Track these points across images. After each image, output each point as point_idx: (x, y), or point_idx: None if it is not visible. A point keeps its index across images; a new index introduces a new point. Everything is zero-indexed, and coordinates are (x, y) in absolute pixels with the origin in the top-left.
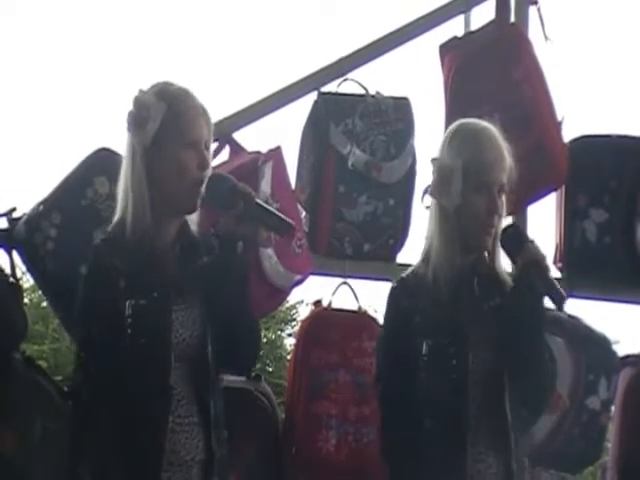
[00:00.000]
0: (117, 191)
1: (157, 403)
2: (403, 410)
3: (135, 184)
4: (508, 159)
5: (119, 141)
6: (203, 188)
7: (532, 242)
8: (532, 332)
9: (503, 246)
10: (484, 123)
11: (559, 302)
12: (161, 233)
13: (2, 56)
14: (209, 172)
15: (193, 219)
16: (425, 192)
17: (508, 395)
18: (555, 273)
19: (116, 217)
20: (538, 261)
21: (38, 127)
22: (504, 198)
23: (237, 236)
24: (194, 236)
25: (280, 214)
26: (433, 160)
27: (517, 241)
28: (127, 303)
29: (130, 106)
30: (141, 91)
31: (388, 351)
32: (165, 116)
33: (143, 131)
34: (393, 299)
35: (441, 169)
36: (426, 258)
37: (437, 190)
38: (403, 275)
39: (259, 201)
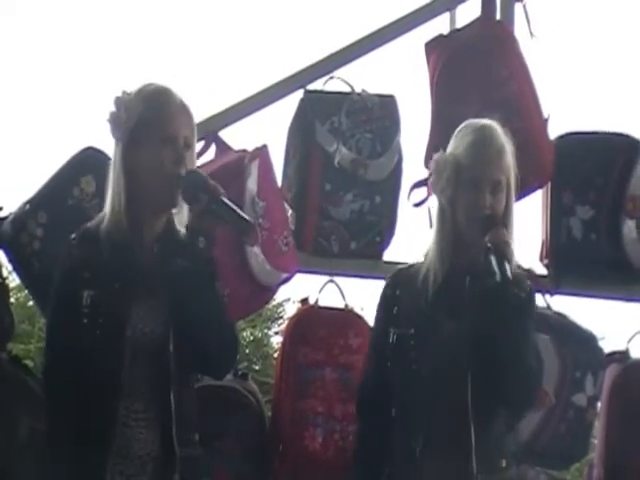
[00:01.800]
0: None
1: (107, 395)
2: (373, 396)
3: (114, 181)
4: (508, 157)
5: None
6: (180, 184)
7: (498, 228)
8: (505, 323)
9: (479, 234)
10: (485, 121)
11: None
12: (142, 229)
13: (2, 56)
14: (187, 167)
15: (181, 219)
16: (412, 189)
17: (472, 398)
18: (541, 270)
19: (101, 214)
20: (497, 243)
21: (26, 126)
22: (500, 196)
23: (198, 230)
24: (178, 236)
25: (242, 213)
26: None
27: (486, 226)
28: (85, 293)
29: (110, 107)
30: (122, 92)
31: (371, 339)
32: (141, 113)
33: (119, 129)
34: (383, 289)
35: (436, 164)
36: (426, 254)
37: (433, 185)
38: (401, 267)
39: (224, 198)
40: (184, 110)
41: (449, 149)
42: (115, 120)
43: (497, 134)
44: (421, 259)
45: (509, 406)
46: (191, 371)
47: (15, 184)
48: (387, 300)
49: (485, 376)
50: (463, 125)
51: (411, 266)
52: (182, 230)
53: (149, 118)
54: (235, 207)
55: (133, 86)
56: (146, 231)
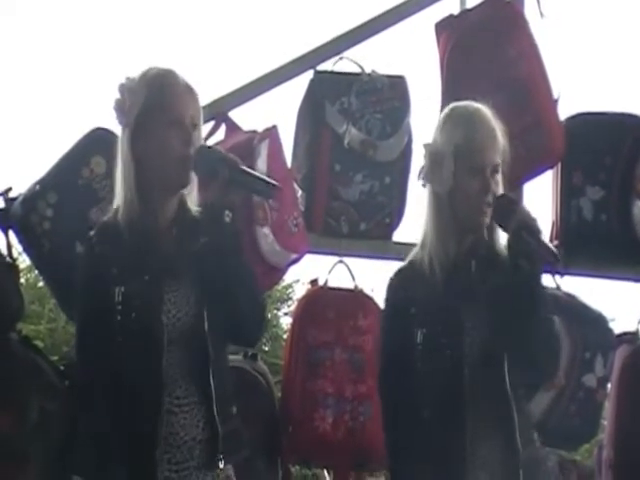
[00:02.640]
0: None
1: (149, 387)
2: (401, 402)
3: (124, 170)
4: (501, 139)
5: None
6: (191, 164)
7: (521, 207)
8: (534, 299)
9: (495, 218)
10: (475, 105)
11: (552, 261)
12: (157, 214)
13: (2, 56)
14: (195, 149)
15: (193, 198)
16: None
17: (508, 375)
18: None
19: (114, 204)
20: (527, 222)
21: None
22: (499, 178)
23: (223, 205)
24: (193, 215)
25: (265, 177)
26: (425, 145)
27: (506, 209)
28: (117, 290)
29: (115, 94)
30: (126, 78)
31: (386, 344)
32: (146, 97)
33: (125, 116)
34: (390, 291)
35: (432, 154)
36: (423, 245)
37: (429, 176)
38: (400, 266)
39: (244, 167)
40: (188, 90)
41: (440, 137)
42: (120, 107)
43: (489, 117)
44: (415, 253)
45: (528, 376)
46: (224, 346)
47: (25, 165)
48: (399, 301)
49: (516, 350)
50: (448, 111)
51: (410, 262)
52: (195, 209)
53: (153, 102)
54: (257, 173)
55: (136, 71)
56: (160, 215)
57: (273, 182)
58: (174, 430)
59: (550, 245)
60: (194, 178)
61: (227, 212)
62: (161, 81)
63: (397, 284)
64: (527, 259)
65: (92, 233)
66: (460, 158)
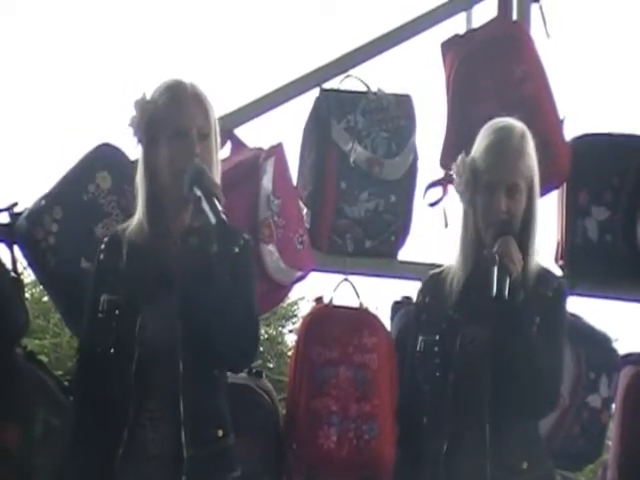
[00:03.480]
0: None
1: (119, 397)
2: (408, 405)
3: (138, 183)
4: (526, 159)
5: (120, 136)
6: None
7: (504, 239)
8: (508, 334)
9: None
10: (505, 122)
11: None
12: (168, 227)
13: (2, 56)
14: (201, 160)
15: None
16: (427, 189)
17: (489, 402)
18: (556, 270)
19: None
20: (502, 255)
21: (39, 124)
22: (518, 198)
23: (190, 229)
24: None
25: (220, 212)
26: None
27: (497, 233)
28: (102, 298)
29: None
30: (142, 94)
31: (401, 346)
32: (153, 111)
33: (138, 131)
34: (416, 295)
35: (456, 167)
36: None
37: (455, 188)
38: (433, 272)
39: (214, 197)
40: (196, 100)
41: (472, 151)
42: (132, 123)
43: (515, 135)
44: (449, 264)
45: (525, 411)
46: (209, 369)
47: (30, 180)
48: (418, 307)
49: (502, 381)
50: (487, 125)
51: (441, 271)
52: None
53: (160, 115)
54: (219, 207)
55: (149, 82)
56: (173, 227)
57: (223, 216)
58: (143, 443)
59: (503, 285)
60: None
61: (193, 238)
62: (167, 93)
63: (421, 289)
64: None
65: (105, 240)
66: (478, 173)
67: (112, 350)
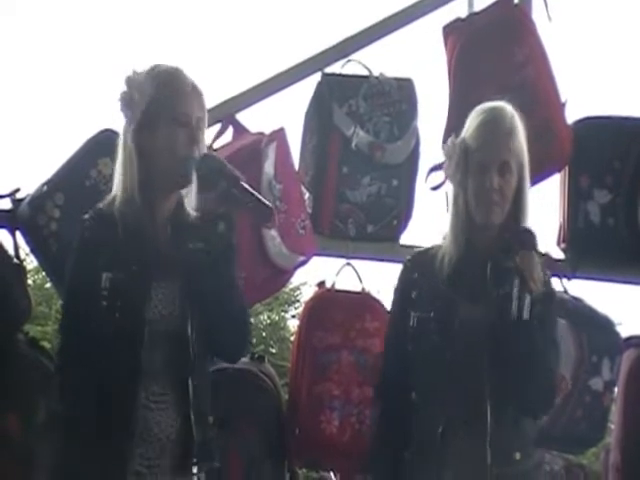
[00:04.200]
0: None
1: (127, 379)
2: (393, 380)
3: (126, 162)
4: (517, 139)
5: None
6: (194, 165)
7: (527, 252)
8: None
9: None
10: (494, 104)
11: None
12: (154, 210)
13: (2, 56)
14: (200, 148)
15: (190, 201)
16: (429, 173)
17: (489, 382)
18: (558, 254)
19: (111, 194)
20: (524, 270)
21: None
22: (509, 177)
23: (218, 215)
24: (189, 218)
25: (262, 199)
26: (447, 142)
27: (522, 241)
28: (104, 276)
29: (121, 86)
30: (133, 71)
31: (389, 322)
32: (153, 94)
33: (131, 109)
34: (401, 272)
35: (447, 148)
36: (443, 237)
37: (445, 170)
38: (417, 250)
39: (243, 183)
40: (195, 91)
41: (462, 133)
42: (126, 99)
43: (505, 116)
44: (438, 242)
45: (526, 409)
46: (206, 353)
47: (32, 166)
48: (405, 284)
49: (502, 374)
50: (475, 108)
51: (429, 249)
52: (191, 212)
53: (162, 98)
54: (254, 192)
55: (143, 66)
56: (157, 211)
57: (267, 203)
58: (148, 426)
59: (525, 302)
60: (194, 180)
61: (221, 223)
62: (170, 78)
63: (407, 267)
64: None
65: (85, 217)
66: (469, 153)
67: (118, 330)
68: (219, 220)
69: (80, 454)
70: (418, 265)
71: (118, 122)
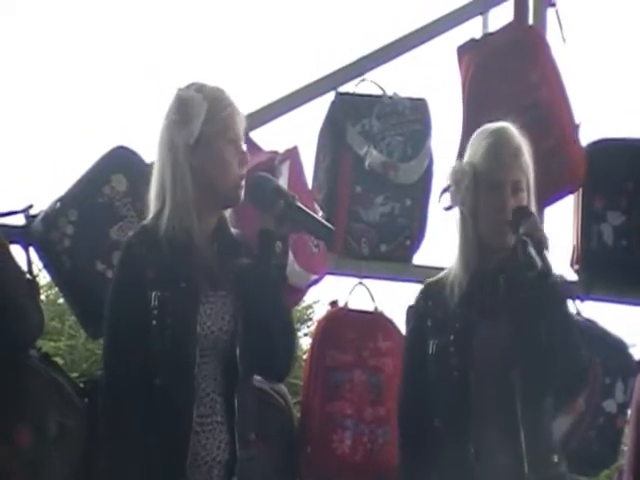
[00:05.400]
0: (151, 187)
1: (182, 399)
2: (415, 409)
3: (178, 179)
4: (524, 157)
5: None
6: (243, 184)
7: (532, 218)
8: (552, 310)
9: (510, 228)
10: (501, 124)
11: (544, 274)
12: (200, 228)
13: (2, 56)
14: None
15: (230, 219)
16: (442, 193)
17: (519, 394)
18: (571, 275)
19: (152, 212)
20: (532, 234)
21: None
22: (523, 196)
23: (275, 236)
24: (232, 235)
25: (321, 218)
26: (451, 165)
27: (519, 219)
28: (153, 294)
29: (172, 103)
30: (181, 89)
31: (405, 353)
32: (207, 113)
33: (188, 127)
34: (414, 303)
35: (454, 174)
36: (452, 263)
37: (452, 195)
38: (429, 280)
39: (299, 204)
40: (240, 111)
41: (466, 157)
42: (181, 118)
43: (511, 135)
44: (447, 270)
45: (562, 391)
46: (252, 373)
47: (46, 182)
48: (420, 313)
49: (534, 369)
50: (477, 132)
51: (440, 278)
52: (233, 229)
53: (216, 117)
54: (312, 213)
55: (188, 83)
56: (203, 229)
57: (328, 225)
58: (195, 450)
59: (547, 259)
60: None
61: (278, 243)
62: (222, 97)
63: (420, 297)
64: (530, 270)
65: (130, 235)
66: (480, 176)
67: (169, 348)
68: (277, 240)
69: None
70: (431, 294)
71: (155, 137)
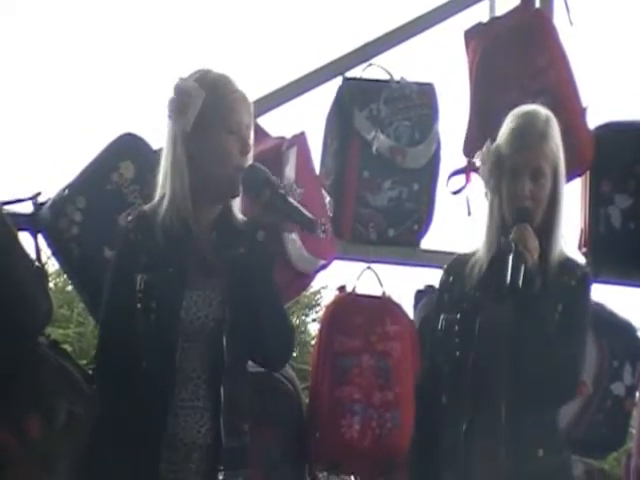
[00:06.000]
0: (157, 175)
1: (162, 383)
2: (427, 384)
3: (176, 168)
4: (550, 143)
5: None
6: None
7: (523, 226)
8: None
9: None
10: (529, 107)
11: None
12: (200, 217)
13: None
14: (250, 157)
15: (237, 207)
16: (450, 177)
17: (509, 384)
18: (579, 258)
19: (155, 199)
20: (517, 243)
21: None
22: (543, 182)
23: (259, 224)
24: (235, 224)
25: (304, 210)
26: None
27: (518, 218)
28: (139, 277)
29: (171, 93)
30: (181, 78)
31: (423, 334)
32: (206, 102)
33: (184, 117)
34: (441, 276)
35: (481, 154)
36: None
37: (480, 175)
38: (459, 254)
39: (284, 194)
40: (245, 99)
41: (497, 139)
42: (178, 108)
43: (538, 120)
44: (475, 248)
45: (543, 398)
46: (245, 361)
47: (54, 169)
48: (441, 287)
49: (521, 366)
50: (510, 113)
51: (465, 255)
52: (239, 217)
53: (215, 106)
54: (297, 204)
55: (189, 73)
56: (203, 217)
57: (310, 216)
58: (174, 431)
59: (510, 262)
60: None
61: (260, 232)
62: (222, 86)
63: (447, 269)
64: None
65: (129, 219)
66: (502, 159)
67: (153, 331)
68: (260, 229)
69: (112, 456)
70: (454, 269)
71: (161, 127)
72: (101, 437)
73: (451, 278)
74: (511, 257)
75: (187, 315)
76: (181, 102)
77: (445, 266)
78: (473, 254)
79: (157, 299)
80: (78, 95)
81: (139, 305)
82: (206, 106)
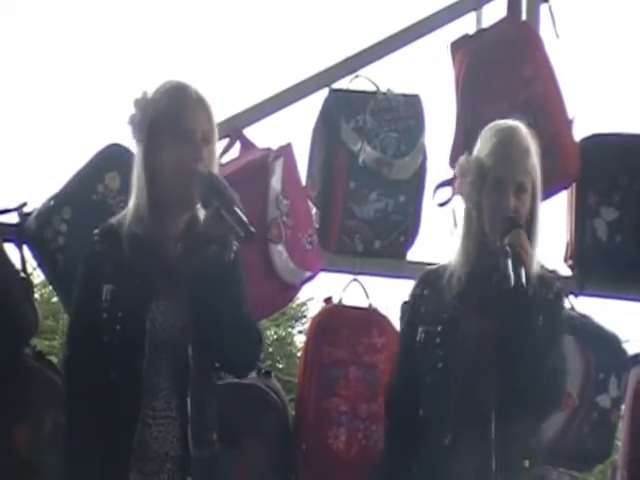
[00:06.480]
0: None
1: (129, 393)
2: (402, 396)
3: (137, 180)
4: (532, 159)
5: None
6: (199, 181)
7: (515, 232)
8: (523, 327)
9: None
10: (510, 122)
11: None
12: (166, 227)
13: (2, 56)
14: (207, 164)
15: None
16: (436, 189)
17: (495, 396)
18: (565, 271)
19: (125, 210)
20: (514, 246)
21: (46, 124)
22: (525, 197)
23: (206, 235)
24: (202, 233)
25: (245, 220)
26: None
27: (506, 228)
28: (105, 288)
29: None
30: (142, 92)
31: (399, 339)
32: (156, 111)
33: (137, 130)
34: (412, 289)
35: (461, 167)
36: (453, 255)
37: (458, 188)
38: (430, 267)
39: (234, 206)
40: (201, 105)
41: (475, 151)
42: (132, 121)
43: (521, 135)
44: (448, 260)
45: (529, 409)
46: (212, 368)
47: (40, 180)
48: (415, 299)
49: (507, 377)
50: (488, 126)
51: (439, 267)
52: None
53: (164, 115)
54: (240, 214)
55: (152, 86)
56: (169, 228)
57: (250, 227)
58: (146, 442)
59: (520, 273)
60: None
61: (213, 245)
62: (172, 94)
63: (419, 282)
64: (505, 282)
65: (96, 232)
66: (485, 172)
67: (118, 342)
68: (206, 240)
69: (82, 468)
70: (429, 282)
71: (127, 143)
72: (70, 449)
73: (426, 291)
74: (510, 260)
75: (153, 326)
76: (133, 114)
77: (417, 280)
78: (446, 266)
79: (123, 310)
80: (66, 103)
81: (105, 315)
82: (156, 116)
